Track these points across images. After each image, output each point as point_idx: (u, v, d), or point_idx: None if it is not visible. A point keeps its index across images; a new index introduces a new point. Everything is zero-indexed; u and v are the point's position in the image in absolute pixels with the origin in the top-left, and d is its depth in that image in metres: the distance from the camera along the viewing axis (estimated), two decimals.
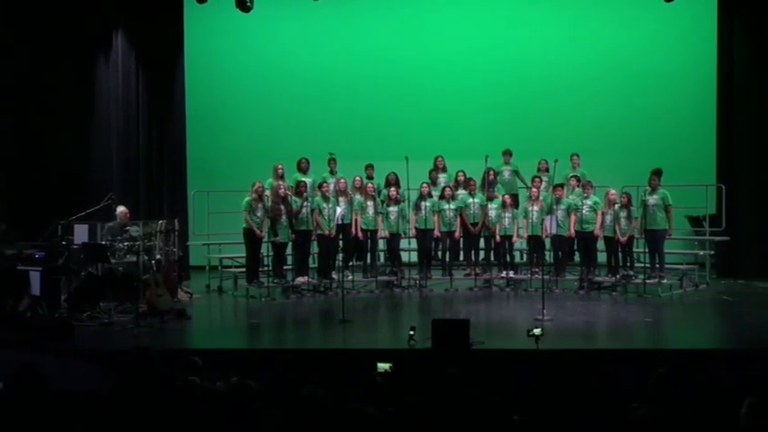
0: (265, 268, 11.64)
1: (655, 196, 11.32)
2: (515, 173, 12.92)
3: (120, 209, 10.58)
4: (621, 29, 14.62)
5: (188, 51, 13.84)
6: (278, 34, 15.08)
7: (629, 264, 11.52)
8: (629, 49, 14.57)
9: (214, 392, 5.15)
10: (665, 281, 11.27)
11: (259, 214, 11.29)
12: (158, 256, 10.60)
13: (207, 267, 12.45)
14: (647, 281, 11.13)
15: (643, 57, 14.53)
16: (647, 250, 11.47)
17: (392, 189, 11.86)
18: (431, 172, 12.50)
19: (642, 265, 11.50)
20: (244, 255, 11.60)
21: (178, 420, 4.70)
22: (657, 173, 11.57)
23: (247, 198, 11.32)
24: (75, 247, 10.06)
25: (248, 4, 12.59)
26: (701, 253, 12.35)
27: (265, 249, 11.56)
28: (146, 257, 10.24)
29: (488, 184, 12.09)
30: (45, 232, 10.10)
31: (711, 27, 13.26)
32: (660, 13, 13.71)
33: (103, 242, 10.15)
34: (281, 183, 11.57)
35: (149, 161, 13.41)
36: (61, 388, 5.49)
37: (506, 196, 12.01)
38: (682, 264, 12.18)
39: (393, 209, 11.81)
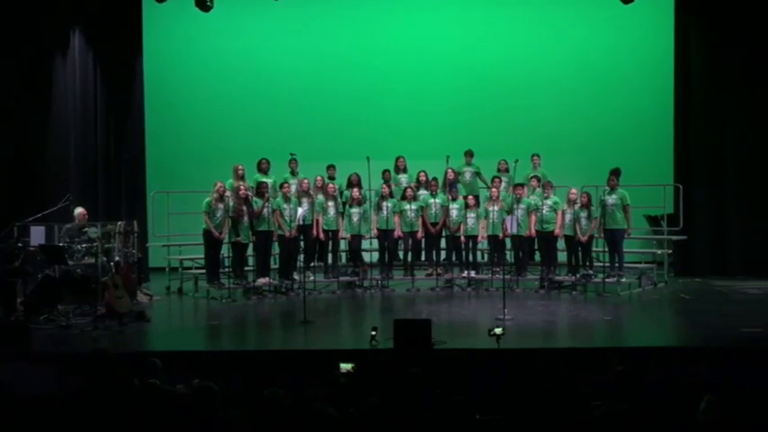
0: (226, 269, 11.57)
1: (614, 196, 11.44)
2: (477, 173, 12.97)
3: (78, 210, 10.44)
4: (581, 31, 14.78)
5: (147, 51, 13.73)
6: (238, 34, 15.00)
7: (588, 263, 11.63)
8: (588, 51, 14.73)
9: (175, 395, 5.11)
10: (624, 279, 11.39)
11: (219, 215, 11.21)
12: (117, 258, 10.48)
13: (167, 269, 12.35)
14: (607, 280, 11.24)
15: (602, 59, 14.69)
16: (606, 249, 11.59)
17: (355, 190, 11.85)
18: (384, 173, 12.42)
19: (601, 264, 11.63)
20: (203, 256, 11.51)
21: (139, 424, 4.65)
22: (616, 173, 11.69)
23: (207, 199, 11.23)
24: (31, 249, 9.90)
25: (208, 3, 12.50)
26: (660, 252, 12.50)
27: (226, 250, 11.49)
28: (104, 259, 10.11)
29: (449, 184, 12.13)
30: (0, 234, 9.93)
31: (669, 30, 13.44)
32: (619, 15, 13.82)
33: (61, 244, 10.00)
34: (241, 183, 11.50)
35: (108, 162, 13.25)
36: (18, 392, 5.41)
37: (470, 197, 12.05)
38: (640, 263, 12.34)
39: (356, 210, 11.80)
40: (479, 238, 11.95)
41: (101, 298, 9.65)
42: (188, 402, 4.81)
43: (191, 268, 12.21)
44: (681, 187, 12.67)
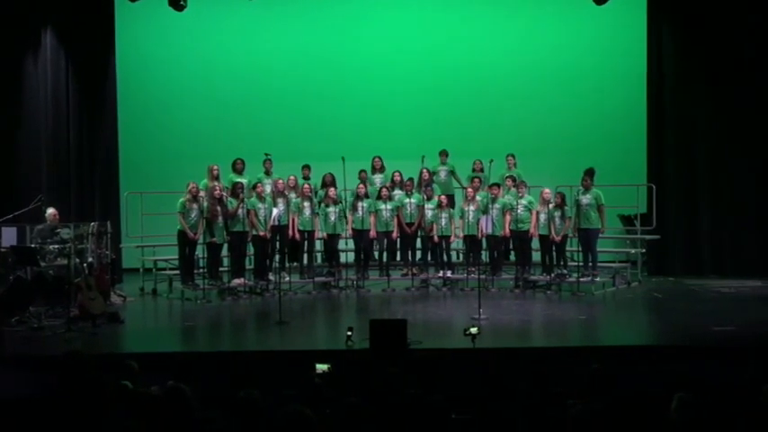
0: (201, 270, 11.53)
1: (588, 196, 11.52)
2: (451, 173, 13.01)
3: (50, 211, 10.36)
4: (555, 31, 14.85)
5: (120, 50, 13.64)
6: (212, 33, 14.92)
7: (563, 262, 11.70)
8: (562, 52, 14.80)
9: (148, 396, 5.08)
10: (598, 279, 11.48)
11: (193, 216, 11.17)
12: (90, 259, 10.40)
13: (141, 270, 12.29)
14: (581, 279, 11.33)
15: (576, 59, 14.76)
16: (580, 249, 11.68)
17: (331, 190, 11.85)
18: (360, 172, 12.45)
19: (576, 263, 11.71)
20: (178, 257, 11.46)
21: (112, 425, 4.62)
22: (590, 173, 11.77)
23: (181, 199, 11.19)
24: (2, 250, 9.81)
25: (182, 2, 12.43)
26: (633, 251, 12.61)
27: (201, 251, 11.45)
28: (77, 260, 10.04)
29: (424, 184, 12.15)
30: None
31: (642, 30, 13.55)
32: (593, 16, 13.90)
33: (33, 245, 9.92)
34: (216, 184, 11.46)
35: (80, 162, 13.15)
36: None
37: (443, 196, 12.08)
38: (614, 262, 12.44)
39: (331, 209, 11.79)
40: (452, 238, 11.98)
41: (74, 299, 9.58)
42: (161, 404, 4.78)
43: (165, 269, 12.13)
44: (654, 187, 12.79)
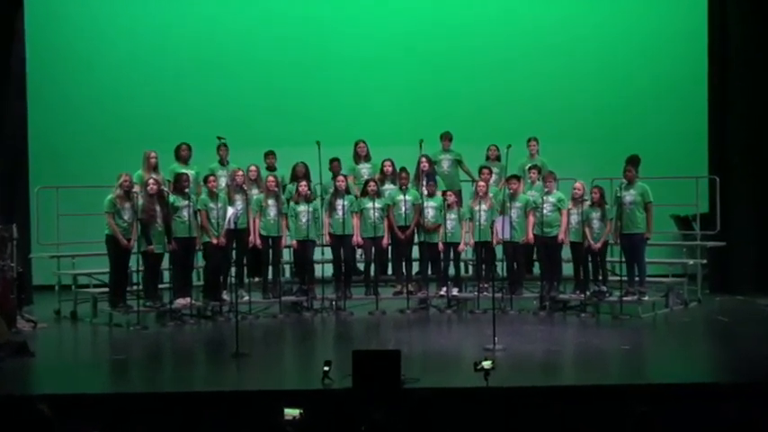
0: (135, 288, 11.49)
1: (632, 191, 11.53)
2: (457, 162, 13.01)
3: None
4: None
5: (30, 18, 13.52)
6: None
7: (601, 277, 11.71)
8: (600, 10, 14.86)
9: None
10: (646, 298, 11.49)
11: (126, 217, 11.14)
12: None
13: (56, 287, 12.25)
14: (625, 298, 11.33)
15: (618, 19, 14.83)
16: (623, 260, 11.69)
17: (302, 184, 11.83)
18: (332, 162, 12.35)
19: (618, 278, 11.72)
20: (106, 270, 11.44)
21: None
22: (634, 162, 11.79)
23: (110, 196, 11.15)
24: None
25: None
26: (691, 262, 12.60)
27: (135, 262, 11.42)
28: None
29: (424, 176, 12.15)
30: None
31: None
32: None
33: None
34: (154, 176, 11.43)
35: None
36: None
37: (447, 192, 12.08)
38: (667, 276, 12.46)
39: (303, 208, 11.79)
40: (461, 246, 11.99)
41: None
42: None
43: (88, 286, 12.09)
44: (717, 180, 12.81)
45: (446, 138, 12.94)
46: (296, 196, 11.86)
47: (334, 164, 12.32)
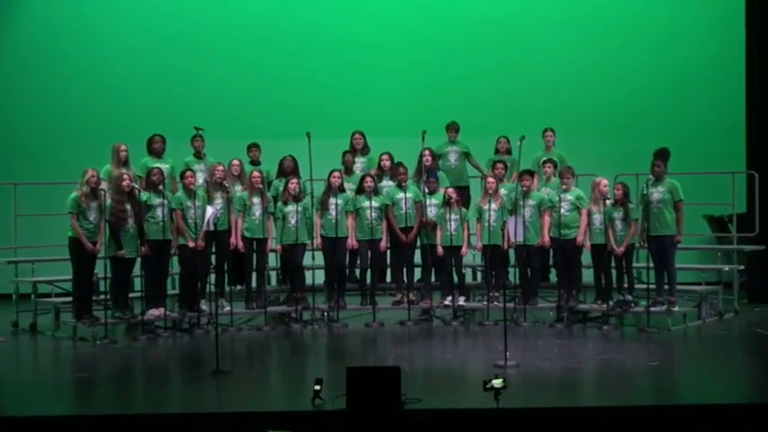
0: (102, 297, 11.45)
1: (660, 188, 11.50)
2: (465, 155, 13.00)
3: None
4: None
5: None
6: None
7: (626, 285, 11.68)
8: None
9: None
10: (676, 308, 11.47)
11: (92, 218, 11.10)
12: None
13: (13, 296, 12.24)
14: (652, 309, 11.32)
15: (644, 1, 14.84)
16: (650, 265, 11.66)
17: (292, 180, 11.81)
18: (345, 154, 12.46)
19: (645, 286, 11.69)
20: (69, 277, 11.39)
21: None
22: (663, 155, 11.80)
23: (75, 194, 11.11)
24: None
25: None
26: (727, 268, 12.58)
27: (102, 269, 11.37)
28: None
29: (426, 171, 12.12)
30: None
31: None
32: None
33: None
34: (125, 171, 11.40)
35: None
36: None
37: (452, 189, 12.05)
38: (700, 284, 12.44)
39: (291, 208, 11.75)
40: (463, 250, 11.95)
41: None
42: None
43: (49, 295, 12.09)
44: (756, 176, 12.80)
45: (452, 128, 12.94)
46: (284, 195, 11.82)
47: (347, 157, 12.36)
